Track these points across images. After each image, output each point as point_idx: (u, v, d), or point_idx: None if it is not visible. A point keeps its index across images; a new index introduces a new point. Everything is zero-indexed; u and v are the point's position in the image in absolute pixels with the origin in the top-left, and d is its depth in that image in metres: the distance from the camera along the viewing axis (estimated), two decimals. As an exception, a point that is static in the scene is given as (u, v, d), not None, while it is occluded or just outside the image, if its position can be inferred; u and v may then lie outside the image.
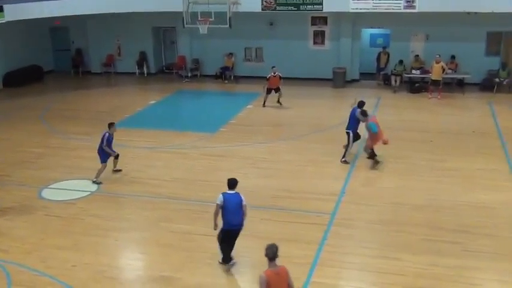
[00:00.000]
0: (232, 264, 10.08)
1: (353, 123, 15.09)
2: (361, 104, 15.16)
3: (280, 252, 7.46)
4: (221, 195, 9.65)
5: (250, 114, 20.30)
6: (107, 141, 13.93)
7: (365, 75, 25.19)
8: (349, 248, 10.79)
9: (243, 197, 9.72)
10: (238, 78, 25.74)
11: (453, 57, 23.25)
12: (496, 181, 13.72)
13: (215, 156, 15.79)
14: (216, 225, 9.89)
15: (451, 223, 11.61)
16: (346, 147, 15.18)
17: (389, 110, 20.23)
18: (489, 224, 11.52)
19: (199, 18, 21.90)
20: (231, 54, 25.61)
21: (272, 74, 20.74)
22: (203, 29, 22.07)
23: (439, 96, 21.74)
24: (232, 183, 9.76)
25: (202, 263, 10.27)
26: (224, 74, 25.64)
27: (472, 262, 10.12)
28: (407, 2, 21.39)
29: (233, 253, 10.05)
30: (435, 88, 21.90)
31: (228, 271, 9.97)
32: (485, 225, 11.49)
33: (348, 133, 15.09)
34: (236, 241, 9.97)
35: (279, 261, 7.46)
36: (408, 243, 10.82)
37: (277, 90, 20.85)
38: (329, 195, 12.97)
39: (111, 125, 14.16)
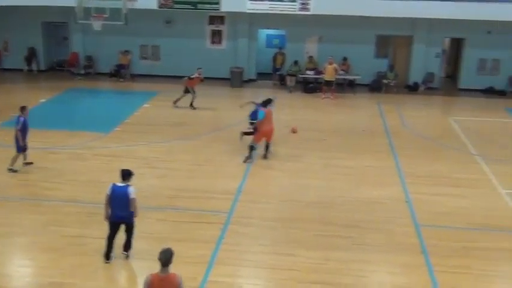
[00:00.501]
0: (110, 261, 9.95)
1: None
2: (267, 102, 15.49)
3: (176, 253, 7.35)
4: (110, 185, 9.61)
5: (147, 114, 19.92)
6: (23, 125, 13.31)
7: (262, 75, 25.56)
8: (246, 246, 10.85)
9: (131, 190, 9.55)
10: (134, 77, 25.20)
11: (345, 59, 24.15)
12: (384, 177, 14.39)
13: (109, 156, 15.32)
14: (106, 216, 9.76)
15: (343, 218, 12.02)
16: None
17: (285, 110, 20.62)
18: (378, 219, 12.05)
19: (93, 14, 21.18)
20: (126, 51, 25.02)
21: (197, 74, 20.43)
22: (97, 25, 21.35)
23: (331, 97, 22.49)
24: (123, 174, 9.68)
25: (96, 266, 9.91)
26: (119, 72, 25.00)
27: (362, 255, 10.53)
28: (302, 4, 21.96)
29: (132, 252, 9.80)
30: (328, 88, 22.63)
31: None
32: (375, 219, 12.01)
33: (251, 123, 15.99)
34: (132, 240, 9.83)
35: (175, 262, 7.33)
36: (302, 240, 11.07)
37: (187, 92, 20.47)
38: (226, 194, 12.99)
39: (23, 108, 13.67)
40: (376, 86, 24.19)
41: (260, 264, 10.24)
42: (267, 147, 15.39)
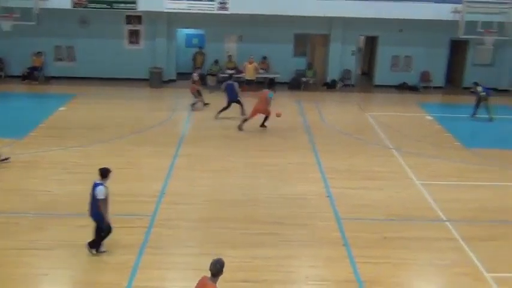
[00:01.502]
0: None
1: (233, 94, 19.05)
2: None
3: (100, 259, 7.16)
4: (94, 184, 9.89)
5: (63, 117, 19.26)
6: None
7: (182, 75, 25.32)
8: (171, 248, 10.73)
9: (98, 190, 9.74)
10: (49, 79, 24.29)
11: (264, 57, 24.41)
12: (306, 174, 14.66)
13: (24, 163, 14.68)
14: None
15: (268, 216, 12.14)
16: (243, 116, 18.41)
17: (206, 110, 20.56)
18: (302, 214, 12.26)
19: (1, 14, 20.23)
20: (39, 53, 24.08)
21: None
22: (6, 25, 20.44)
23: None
24: (100, 172, 9.92)
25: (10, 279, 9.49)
26: (33, 75, 24.01)
27: (288, 251, 10.69)
28: (220, 3, 21.98)
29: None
30: (249, 87, 22.76)
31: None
32: (298, 215, 12.21)
33: (237, 101, 19.08)
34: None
35: (98, 269, 7.12)
36: (228, 239, 11.08)
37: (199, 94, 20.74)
38: (149, 197, 12.78)
39: None
40: (295, 84, 24.59)
41: (186, 266, 10.15)
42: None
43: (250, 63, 22.56)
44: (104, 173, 9.97)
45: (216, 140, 17.08)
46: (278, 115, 17.60)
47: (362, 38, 27.73)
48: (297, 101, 22.41)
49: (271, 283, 9.66)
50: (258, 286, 9.57)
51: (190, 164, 15.06)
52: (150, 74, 24.09)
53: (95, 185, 9.88)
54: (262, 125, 18.37)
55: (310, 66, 24.79)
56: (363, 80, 27.21)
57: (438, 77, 25.33)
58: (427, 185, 14.08)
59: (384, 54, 25.27)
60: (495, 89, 24.95)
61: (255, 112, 18.11)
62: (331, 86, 24.98)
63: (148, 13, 23.52)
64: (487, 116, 20.35)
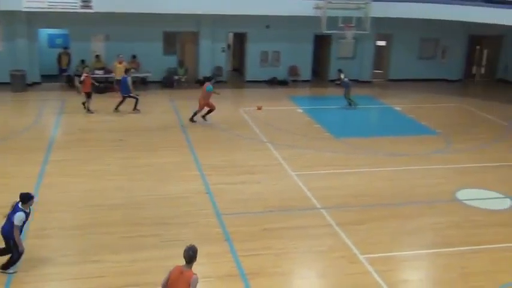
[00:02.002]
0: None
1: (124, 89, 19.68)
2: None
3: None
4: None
5: None
6: None
7: (47, 78, 24.12)
8: (47, 259, 10.19)
9: (16, 216, 9.31)
10: None
11: (134, 56, 23.93)
12: (184, 172, 14.62)
13: None
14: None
15: (149, 217, 11.95)
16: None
17: (76, 112, 19.79)
18: (183, 213, 12.21)
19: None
20: None
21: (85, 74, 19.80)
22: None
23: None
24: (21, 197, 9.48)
25: None
26: None
27: (171, 251, 10.51)
28: (84, 2, 21.24)
29: None
30: (120, 87, 22.15)
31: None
32: (180, 214, 12.15)
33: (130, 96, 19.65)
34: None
35: None
36: (108, 244, 10.77)
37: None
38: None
39: None
40: (168, 83, 24.39)
41: (65, 276, 9.72)
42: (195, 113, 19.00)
43: (120, 62, 22.00)
44: (24, 198, 9.47)
45: (89, 143, 16.49)
46: (259, 108, 19.98)
47: (231, 35, 28.10)
48: (171, 100, 22.26)
49: (154, 286, 9.47)
50: (142, 289, 9.43)
51: (62, 170, 14.41)
52: (11, 77, 22.63)
53: (16, 209, 9.40)
54: (204, 116, 19.34)
55: (181, 64, 24.70)
56: (235, 76, 27.62)
57: (305, 71, 26.35)
58: (301, 175, 14.62)
59: (253, 50, 25.81)
60: (357, 81, 26.57)
61: (201, 105, 19.04)
62: (203, 83, 24.97)
63: (5, 12, 22.04)
64: (350, 104, 21.58)
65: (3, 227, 9.61)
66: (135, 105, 20.04)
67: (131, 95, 19.86)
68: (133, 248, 10.63)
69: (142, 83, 24.25)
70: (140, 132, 17.96)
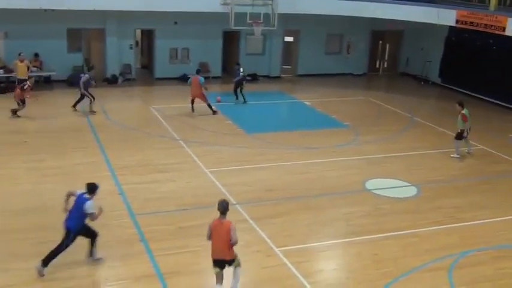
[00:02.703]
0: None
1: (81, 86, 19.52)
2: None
3: None
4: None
5: None
6: None
7: None
8: (-51, 271, 9.64)
9: (89, 204, 9.60)
10: None
11: (36, 54, 22.96)
12: (95, 173, 14.16)
13: None
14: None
15: (60, 222, 11.40)
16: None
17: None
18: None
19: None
20: None
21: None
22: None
23: (28, 95, 21.12)
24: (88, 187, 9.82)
25: None
26: None
27: (83, 255, 10.25)
28: (-21, -3, 20.04)
29: None
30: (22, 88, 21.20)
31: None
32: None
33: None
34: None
35: None
36: (19, 251, 10.37)
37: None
38: None
39: None
40: (73, 81, 23.54)
41: (-30, 288, 9.22)
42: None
43: (21, 61, 21.00)
44: (93, 188, 9.89)
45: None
46: (218, 101, 21.07)
47: (139, 32, 27.58)
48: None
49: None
50: (55, 296, 9.10)
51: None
52: None
53: (80, 196, 9.82)
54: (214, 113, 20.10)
55: (87, 62, 23.93)
56: (144, 73, 27.12)
57: (216, 68, 26.34)
58: (215, 172, 14.65)
59: (161, 47, 25.47)
60: (268, 76, 26.96)
61: (192, 97, 20.00)
62: (112, 81, 24.47)
63: None
64: (243, 99, 21.98)
65: (69, 224, 9.75)
66: (91, 106, 19.75)
67: (84, 92, 19.57)
68: (44, 254, 10.20)
69: (47, 82, 23.30)
70: (47, 133, 17.27)
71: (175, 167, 14.97)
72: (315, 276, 10.14)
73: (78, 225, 9.78)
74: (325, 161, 16.00)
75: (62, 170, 14.31)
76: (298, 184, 14.17)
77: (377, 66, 30.02)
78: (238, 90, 22.03)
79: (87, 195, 9.77)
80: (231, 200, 12.94)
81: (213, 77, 26.03)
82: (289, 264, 10.36)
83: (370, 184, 14.35)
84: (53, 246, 10.45)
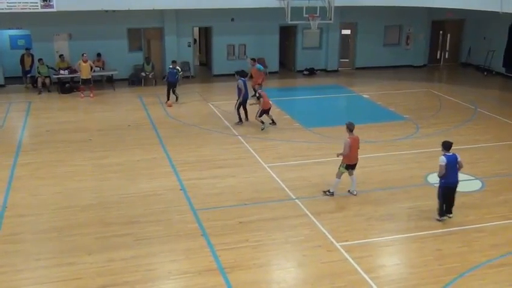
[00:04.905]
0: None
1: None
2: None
3: None
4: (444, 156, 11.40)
5: None
6: None
7: (11, 80, 23.63)
8: (21, 264, 10.03)
9: (458, 156, 11.45)
10: None
11: (99, 54, 23.60)
12: (156, 169, 14.50)
13: None
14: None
15: (122, 216, 11.84)
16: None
17: (42, 113, 19.48)
18: (156, 211, 12.12)
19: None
20: None
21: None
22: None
23: (91, 95, 21.82)
24: (446, 145, 11.60)
25: None
26: None
27: (146, 249, 10.52)
28: (44, 1, 20.75)
29: None
30: (86, 87, 21.90)
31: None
32: (153, 212, 12.06)
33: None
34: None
35: None
36: (82, 245, 10.65)
37: None
38: (-12, 213, 11.84)
39: None
40: (135, 80, 24.13)
41: (41, 280, 9.57)
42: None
43: (84, 61, 21.66)
44: (448, 146, 11.54)
45: (58, 145, 16.23)
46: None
47: (196, 29, 27.92)
48: (139, 96, 22.02)
49: (132, 284, 9.46)
50: (120, 289, 9.35)
51: (33, 173, 14.18)
52: (-27, 80, 22.14)
53: (452, 156, 11.52)
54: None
55: (148, 60, 24.42)
56: (202, 70, 27.45)
57: (273, 63, 26.33)
58: (274, 167, 14.66)
59: (218, 44, 25.68)
60: (325, 70, 26.75)
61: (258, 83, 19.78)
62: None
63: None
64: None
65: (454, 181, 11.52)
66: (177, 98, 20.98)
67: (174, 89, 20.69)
68: (108, 248, 10.52)
69: (109, 81, 23.94)
70: (109, 131, 17.74)
71: (235, 162, 15.07)
72: (377, 271, 9.99)
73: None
74: (385, 154, 15.74)
75: (124, 167, 14.66)
76: (358, 178, 13.95)
77: (438, 57, 29.22)
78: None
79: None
80: (291, 194, 12.94)
81: (270, 72, 26.03)
82: (350, 260, 10.24)
83: (432, 178, 14.00)
84: (113, 240, 10.78)
